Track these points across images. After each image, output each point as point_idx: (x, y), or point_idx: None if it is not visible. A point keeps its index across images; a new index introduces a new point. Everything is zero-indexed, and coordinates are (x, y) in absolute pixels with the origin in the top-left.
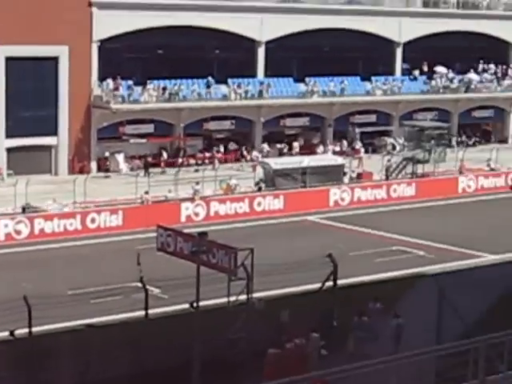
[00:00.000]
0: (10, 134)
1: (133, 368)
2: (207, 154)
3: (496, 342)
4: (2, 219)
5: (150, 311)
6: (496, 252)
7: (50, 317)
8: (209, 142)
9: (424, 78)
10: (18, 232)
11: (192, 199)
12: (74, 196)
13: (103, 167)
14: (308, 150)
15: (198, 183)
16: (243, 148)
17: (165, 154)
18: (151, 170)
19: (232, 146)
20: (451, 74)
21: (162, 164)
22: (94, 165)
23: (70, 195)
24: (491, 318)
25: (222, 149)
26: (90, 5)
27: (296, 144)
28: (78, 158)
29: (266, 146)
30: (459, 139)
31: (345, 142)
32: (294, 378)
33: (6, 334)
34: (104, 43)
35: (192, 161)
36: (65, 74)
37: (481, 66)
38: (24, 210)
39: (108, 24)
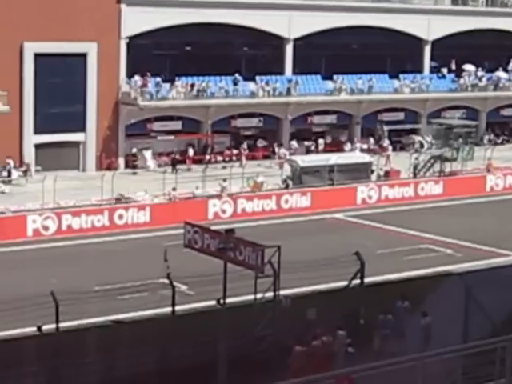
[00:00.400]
0: (38, 131)
1: (159, 364)
2: (235, 151)
3: None
4: (30, 215)
5: (177, 308)
6: None
7: (77, 312)
8: (236, 139)
9: (452, 76)
10: (46, 228)
11: (219, 196)
12: (101, 192)
13: (131, 164)
14: (335, 147)
15: (225, 180)
16: (273, 145)
17: (191, 151)
18: (179, 166)
19: (261, 143)
20: (480, 72)
21: (189, 161)
22: (121, 161)
23: (98, 191)
24: None
25: (246, 146)
26: (119, 1)
27: (321, 141)
28: (105, 154)
29: (294, 143)
30: (488, 137)
31: (372, 140)
32: (321, 375)
33: (34, 329)
34: (132, 40)
35: (219, 158)
36: (93, 71)
37: (510, 65)
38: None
39: (136, 21)
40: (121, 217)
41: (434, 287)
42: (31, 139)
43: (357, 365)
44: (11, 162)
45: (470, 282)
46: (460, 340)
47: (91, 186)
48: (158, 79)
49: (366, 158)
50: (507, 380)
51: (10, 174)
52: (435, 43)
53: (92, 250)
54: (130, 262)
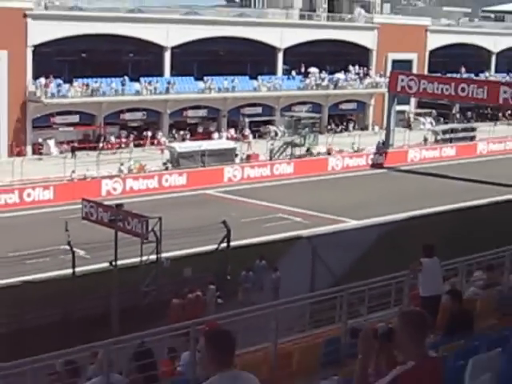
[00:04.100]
0: None
1: (62, 317)
2: (123, 140)
3: (357, 291)
4: None
5: (77, 269)
6: (358, 218)
7: None
8: (124, 129)
9: (300, 77)
10: None
11: (118, 176)
12: (12, 175)
13: (37, 151)
14: (206, 136)
15: (122, 164)
16: (156, 134)
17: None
18: (77, 152)
19: (150, 133)
20: (322, 74)
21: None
22: (29, 149)
23: (9, 174)
24: (354, 271)
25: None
26: (25, 16)
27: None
28: (15, 143)
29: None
30: (329, 127)
31: (236, 130)
32: (193, 320)
33: None
34: (37, 48)
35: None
36: (4, 74)
37: (348, 68)
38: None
39: (40, 32)
40: (29, 195)
41: (286, 248)
42: None
43: (224, 313)
44: None
45: (315, 243)
46: (308, 290)
47: (3, 170)
48: (59, 81)
49: (231, 144)
50: (343, 321)
51: None
52: (286, 50)
53: (5, 223)
54: (36, 232)
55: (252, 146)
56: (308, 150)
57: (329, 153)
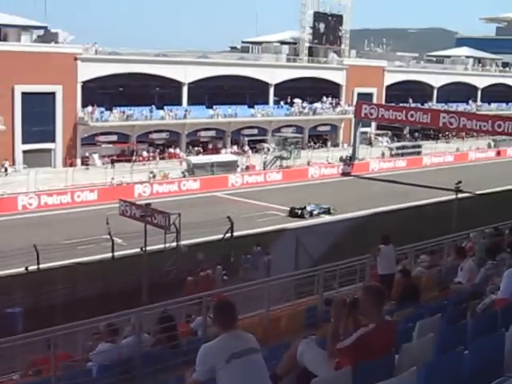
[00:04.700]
0: (24, 141)
1: (104, 290)
2: (151, 154)
3: (331, 270)
4: (20, 195)
5: (115, 253)
6: (333, 214)
7: (50, 258)
8: (152, 146)
9: (287, 106)
10: (31, 204)
11: (147, 182)
12: (65, 181)
13: (85, 163)
14: (215, 151)
15: (151, 173)
16: (176, 150)
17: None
18: (115, 164)
19: (172, 149)
20: (304, 104)
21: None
22: (79, 161)
23: (64, 180)
24: (328, 255)
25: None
26: (76, 59)
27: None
28: (68, 156)
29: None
30: (309, 144)
31: (237, 146)
32: (205, 293)
33: (23, 269)
34: (85, 83)
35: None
36: (60, 103)
37: (323, 99)
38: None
39: (87, 71)
40: (78, 196)
41: (276, 237)
42: (20, 147)
43: (228, 287)
44: (7, 162)
45: (298, 233)
46: (293, 269)
47: (59, 178)
48: (102, 109)
49: (234, 157)
50: (320, 293)
51: (6, 170)
52: (276, 86)
53: (60, 218)
54: (84, 225)
55: (250, 159)
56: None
57: (309, 164)
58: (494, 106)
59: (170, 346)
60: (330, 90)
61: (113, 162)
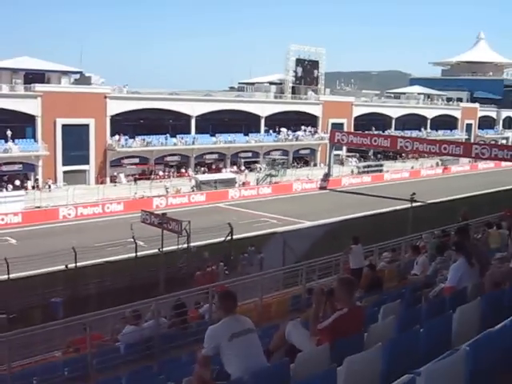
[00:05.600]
0: (64, 164)
1: (129, 283)
2: (166, 173)
3: (311, 265)
4: (60, 207)
5: (138, 253)
6: (311, 220)
7: (85, 258)
8: (167, 167)
9: (275, 134)
10: (69, 214)
11: (163, 195)
12: (97, 195)
13: (113, 180)
14: (217, 170)
15: (167, 188)
16: (187, 170)
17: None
18: (138, 181)
19: (183, 169)
20: (289, 132)
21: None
22: (108, 179)
23: (96, 195)
24: (309, 253)
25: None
26: (105, 97)
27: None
28: (99, 176)
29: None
30: (293, 164)
31: (235, 167)
32: (210, 285)
33: (63, 266)
34: (113, 117)
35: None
36: (92, 133)
37: (304, 128)
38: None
39: (114, 107)
40: (108, 207)
41: (268, 239)
42: (61, 168)
43: (229, 280)
44: (50, 181)
45: (285, 236)
46: (281, 265)
47: (92, 193)
48: (126, 137)
49: (233, 175)
50: (303, 284)
51: (49, 187)
52: (266, 117)
53: (93, 226)
54: (113, 231)
55: (246, 177)
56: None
57: (294, 181)
58: (440, 132)
59: (183, 327)
60: (309, 120)
61: (135, 179)
